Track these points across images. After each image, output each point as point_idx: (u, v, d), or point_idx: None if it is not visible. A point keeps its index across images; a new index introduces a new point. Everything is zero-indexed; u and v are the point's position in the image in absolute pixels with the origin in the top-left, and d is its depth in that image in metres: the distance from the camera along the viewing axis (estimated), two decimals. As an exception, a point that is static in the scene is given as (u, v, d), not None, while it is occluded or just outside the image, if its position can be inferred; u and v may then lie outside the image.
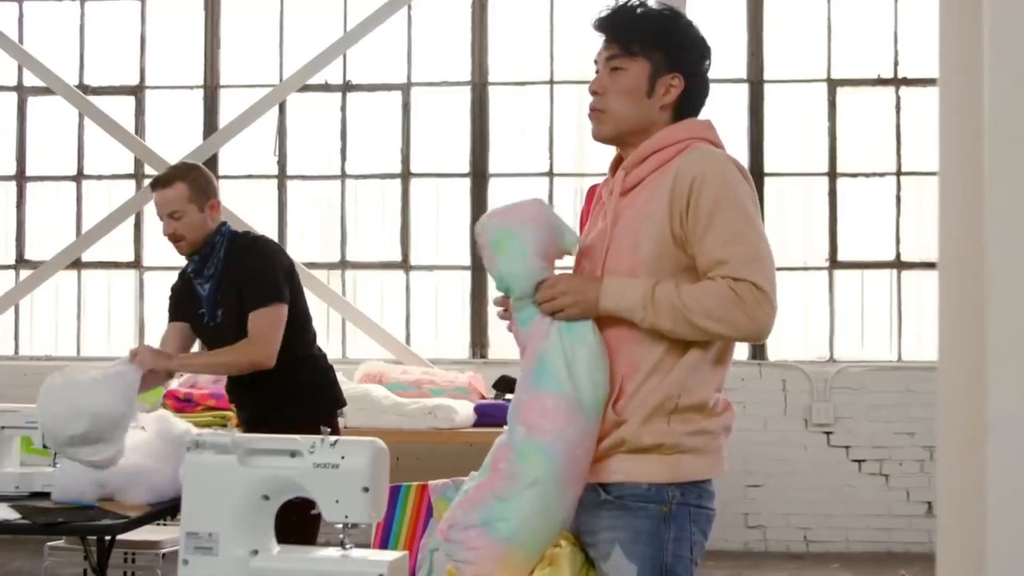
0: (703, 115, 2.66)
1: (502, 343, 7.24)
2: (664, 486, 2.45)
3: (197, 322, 4.28)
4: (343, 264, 7.53)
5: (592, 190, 2.79)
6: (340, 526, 2.34)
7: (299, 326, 4.25)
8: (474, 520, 2.40)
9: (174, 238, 4.22)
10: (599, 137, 2.64)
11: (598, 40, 2.64)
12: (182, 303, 4.36)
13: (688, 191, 2.44)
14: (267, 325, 4.08)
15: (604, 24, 2.60)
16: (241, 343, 4.10)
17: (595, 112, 2.60)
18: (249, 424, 4.23)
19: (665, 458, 2.46)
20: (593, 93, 2.60)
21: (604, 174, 2.74)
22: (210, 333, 4.24)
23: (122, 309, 7.71)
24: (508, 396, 6.13)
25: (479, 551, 2.38)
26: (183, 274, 4.40)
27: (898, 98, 7.31)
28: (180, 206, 4.17)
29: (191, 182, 4.20)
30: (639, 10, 2.59)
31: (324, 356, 4.39)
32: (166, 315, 4.45)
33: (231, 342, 4.11)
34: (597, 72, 2.62)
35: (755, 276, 2.41)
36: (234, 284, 4.17)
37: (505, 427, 2.47)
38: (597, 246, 2.55)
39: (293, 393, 4.17)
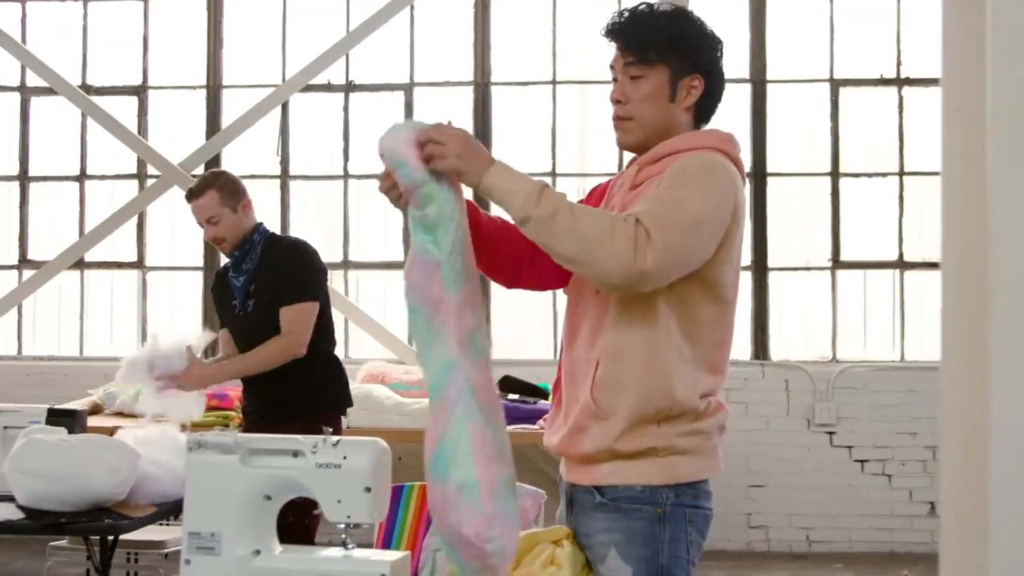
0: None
1: (504, 343, 7.24)
2: (658, 488, 2.45)
3: (231, 314, 4.54)
4: (345, 264, 7.53)
5: (594, 191, 2.77)
6: (342, 526, 2.34)
7: (325, 324, 4.52)
8: None
9: (216, 241, 4.52)
10: (626, 145, 2.61)
11: (607, 44, 2.61)
12: (220, 303, 4.64)
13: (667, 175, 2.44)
14: (297, 319, 4.37)
15: (617, 32, 2.56)
16: (272, 339, 4.35)
17: (621, 121, 2.57)
18: (263, 413, 4.40)
19: (659, 460, 2.45)
20: (615, 102, 2.56)
21: (607, 173, 2.74)
22: (240, 322, 4.49)
23: (125, 309, 7.72)
24: (511, 396, 6.13)
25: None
26: (218, 273, 4.68)
27: (901, 98, 7.30)
28: (215, 211, 4.46)
29: (220, 187, 4.49)
30: (649, 15, 2.56)
31: (337, 359, 4.61)
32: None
33: (259, 330, 4.39)
34: (615, 79, 2.59)
35: (654, 226, 2.30)
36: (269, 279, 4.43)
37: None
38: None
39: (314, 386, 4.40)
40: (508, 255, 2.64)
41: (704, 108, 2.61)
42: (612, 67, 2.59)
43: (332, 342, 4.60)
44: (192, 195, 4.53)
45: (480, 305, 2.46)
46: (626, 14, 2.57)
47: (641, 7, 2.57)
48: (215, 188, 4.48)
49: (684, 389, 2.45)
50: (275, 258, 4.47)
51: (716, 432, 2.52)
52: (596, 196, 2.74)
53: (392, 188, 2.47)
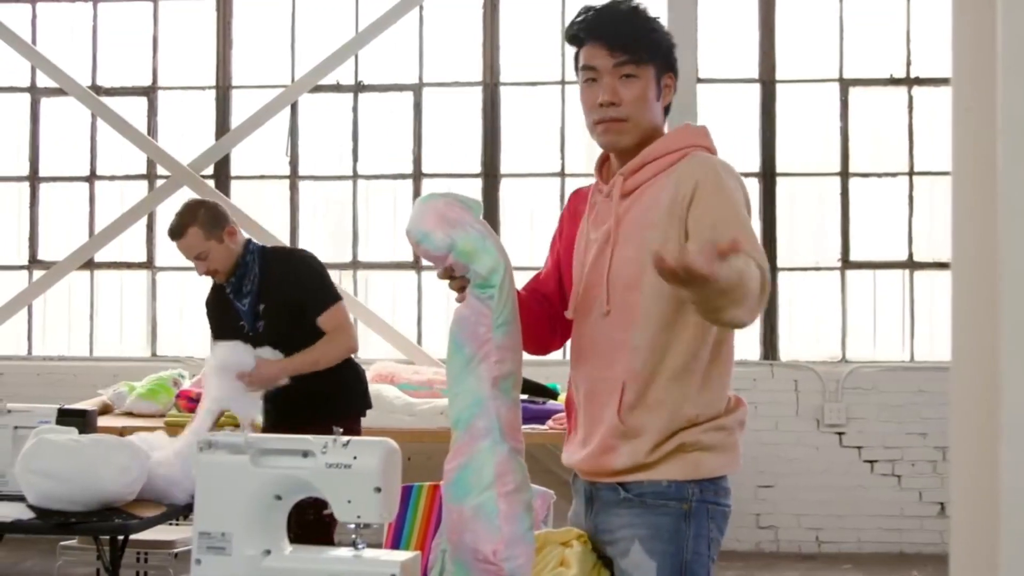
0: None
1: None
2: (684, 483, 2.46)
3: (237, 334, 4.49)
4: (355, 264, 7.54)
5: (576, 194, 2.74)
6: (352, 526, 2.34)
7: None
8: None
9: (209, 274, 4.48)
10: (619, 147, 2.55)
11: (579, 44, 2.55)
12: (220, 320, 4.59)
13: (690, 196, 2.41)
14: (339, 321, 4.42)
15: (603, 32, 2.51)
16: (323, 340, 4.38)
17: (614, 122, 2.51)
18: (281, 418, 4.43)
19: (686, 456, 2.46)
20: (608, 104, 2.50)
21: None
22: (251, 341, 4.43)
23: (134, 309, 7.74)
24: (520, 396, 6.12)
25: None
26: (215, 288, 4.61)
27: (910, 98, 7.29)
28: (201, 248, 4.42)
29: (201, 223, 4.42)
30: (628, 12, 2.52)
31: (353, 361, 4.60)
32: (208, 330, 4.70)
33: (274, 348, 4.35)
34: (593, 80, 2.52)
35: (760, 257, 2.29)
36: (282, 297, 4.41)
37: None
38: (601, 250, 2.53)
39: (327, 393, 4.39)
40: (542, 314, 2.66)
41: (670, 106, 2.61)
42: (591, 68, 2.51)
43: None
44: (174, 235, 4.46)
45: (520, 352, 2.47)
46: (593, 12, 2.53)
47: (609, 5, 2.54)
48: (196, 224, 4.41)
49: (711, 395, 2.48)
50: (280, 275, 4.45)
51: (737, 428, 2.54)
52: (578, 201, 2.71)
53: (446, 275, 2.46)
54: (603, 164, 2.64)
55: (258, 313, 4.45)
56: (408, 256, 7.46)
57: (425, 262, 7.45)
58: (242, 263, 4.45)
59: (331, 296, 4.47)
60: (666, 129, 2.62)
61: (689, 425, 2.46)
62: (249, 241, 4.54)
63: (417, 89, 7.54)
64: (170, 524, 4.88)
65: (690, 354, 2.45)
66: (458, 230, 2.39)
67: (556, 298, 2.68)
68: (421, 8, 7.42)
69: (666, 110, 2.60)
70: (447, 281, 2.49)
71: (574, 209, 2.71)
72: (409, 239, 2.45)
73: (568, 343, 2.70)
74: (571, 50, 2.61)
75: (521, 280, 2.61)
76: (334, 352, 4.40)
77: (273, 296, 4.43)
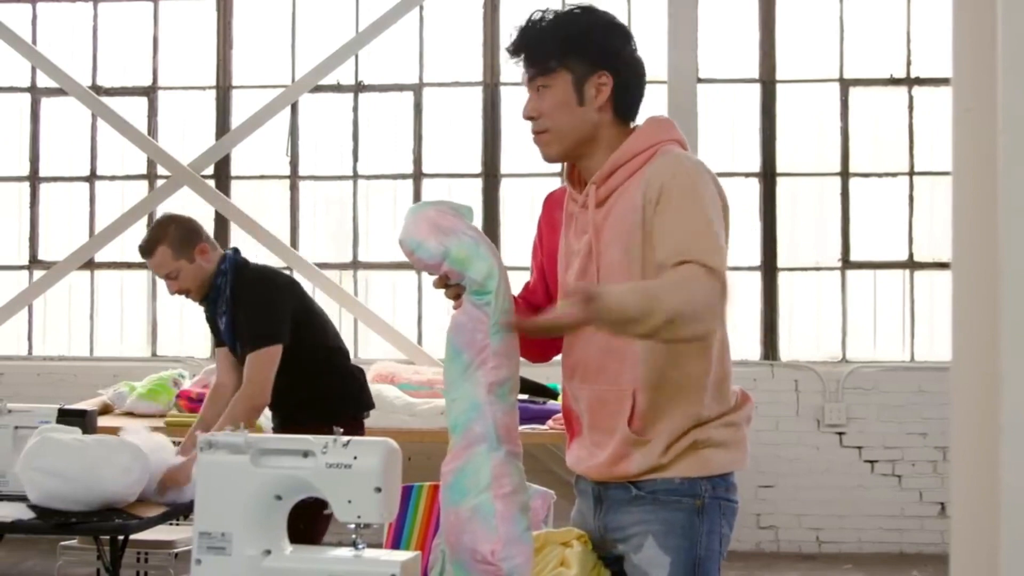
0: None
1: (514, 343, 7.22)
2: (696, 480, 2.48)
3: (226, 346, 4.44)
4: (355, 264, 7.54)
5: (550, 199, 2.72)
6: (352, 526, 2.34)
7: (315, 341, 4.39)
8: None
9: (180, 293, 4.34)
10: (551, 158, 2.56)
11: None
12: (214, 328, 4.50)
13: (657, 195, 2.39)
14: (259, 368, 4.18)
15: (517, 49, 2.51)
16: (235, 397, 4.21)
17: (538, 135, 2.52)
18: (279, 421, 4.43)
19: (697, 453, 2.48)
20: (529, 118, 2.52)
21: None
22: (240, 360, 4.36)
23: (135, 309, 7.73)
24: (520, 396, 6.11)
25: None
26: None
27: (911, 98, 7.29)
28: (170, 267, 4.28)
29: (170, 241, 4.27)
30: (541, 23, 2.51)
31: (345, 365, 4.53)
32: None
33: None
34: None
35: (714, 262, 2.28)
36: (241, 321, 4.29)
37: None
38: (585, 263, 2.52)
39: (311, 400, 4.31)
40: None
41: (623, 103, 2.53)
42: (526, 86, 2.55)
43: (332, 353, 4.50)
44: (144, 253, 4.34)
45: (516, 358, 2.47)
46: (522, 28, 2.52)
47: (534, 17, 2.52)
48: (164, 243, 4.26)
49: (719, 392, 2.51)
50: (239, 299, 4.28)
51: (745, 423, 2.56)
52: (553, 207, 2.70)
53: (441, 284, 2.46)
54: (572, 170, 2.62)
55: (236, 334, 4.33)
56: (408, 256, 7.45)
57: (425, 262, 7.46)
58: (214, 284, 4.30)
59: (265, 336, 4.20)
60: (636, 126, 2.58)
61: (700, 423, 2.46)
62: (225, 257, 4.35)
63: (417, 89, 7.54)
64: (170, 524, 4.87)
65: (698, 356, 2.46)
66: (451, 238, 2.39)
67: (547, 307, 2.67)
68: (421, 8, 7.42)
69: (619, 107, 2.52)
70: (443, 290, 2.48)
71: (550, 216, 2.70)
72: (403, 249, 2.45)
73: None
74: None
75: (517, 280, 2.61)
76: (242, 415, 3.96)
77: (240, 318, 4.29)
